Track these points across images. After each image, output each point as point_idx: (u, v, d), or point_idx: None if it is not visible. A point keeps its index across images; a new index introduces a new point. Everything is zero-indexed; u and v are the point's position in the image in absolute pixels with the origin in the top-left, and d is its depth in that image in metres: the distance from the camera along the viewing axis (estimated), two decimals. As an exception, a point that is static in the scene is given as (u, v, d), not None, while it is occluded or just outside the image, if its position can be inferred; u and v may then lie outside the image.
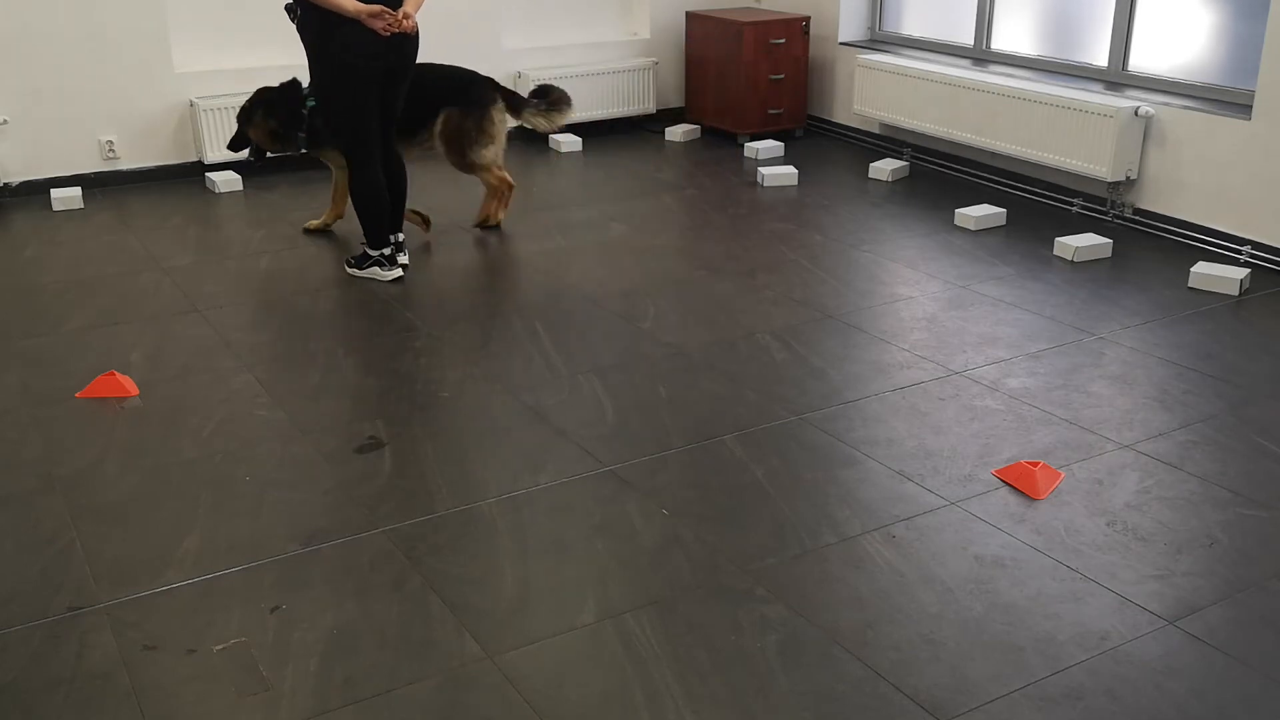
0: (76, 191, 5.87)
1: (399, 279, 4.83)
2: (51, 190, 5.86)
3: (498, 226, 5.51)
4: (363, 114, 4.60)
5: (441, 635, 2.61)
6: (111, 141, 6.08)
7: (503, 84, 5.43)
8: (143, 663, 2.53)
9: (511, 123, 5.48)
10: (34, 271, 4.97)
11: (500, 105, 5.33)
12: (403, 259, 4.94)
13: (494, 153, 5.34)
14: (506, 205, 5.51)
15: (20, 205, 5.86)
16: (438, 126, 5.26)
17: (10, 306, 4.57)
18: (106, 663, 2.53)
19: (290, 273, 4.93)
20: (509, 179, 5.47)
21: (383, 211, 4.76)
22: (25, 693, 2.44)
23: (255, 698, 2.42)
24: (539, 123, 5.48)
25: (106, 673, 2.50)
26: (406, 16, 4.45)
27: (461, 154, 5.29)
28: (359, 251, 4.90)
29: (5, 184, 5.91)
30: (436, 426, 3.59)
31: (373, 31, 4.41)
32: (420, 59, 4.76)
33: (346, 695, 2.43)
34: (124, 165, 6.17)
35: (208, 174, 6.20)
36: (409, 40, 4.56)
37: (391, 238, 4.88)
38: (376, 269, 4.82)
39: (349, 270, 4.89)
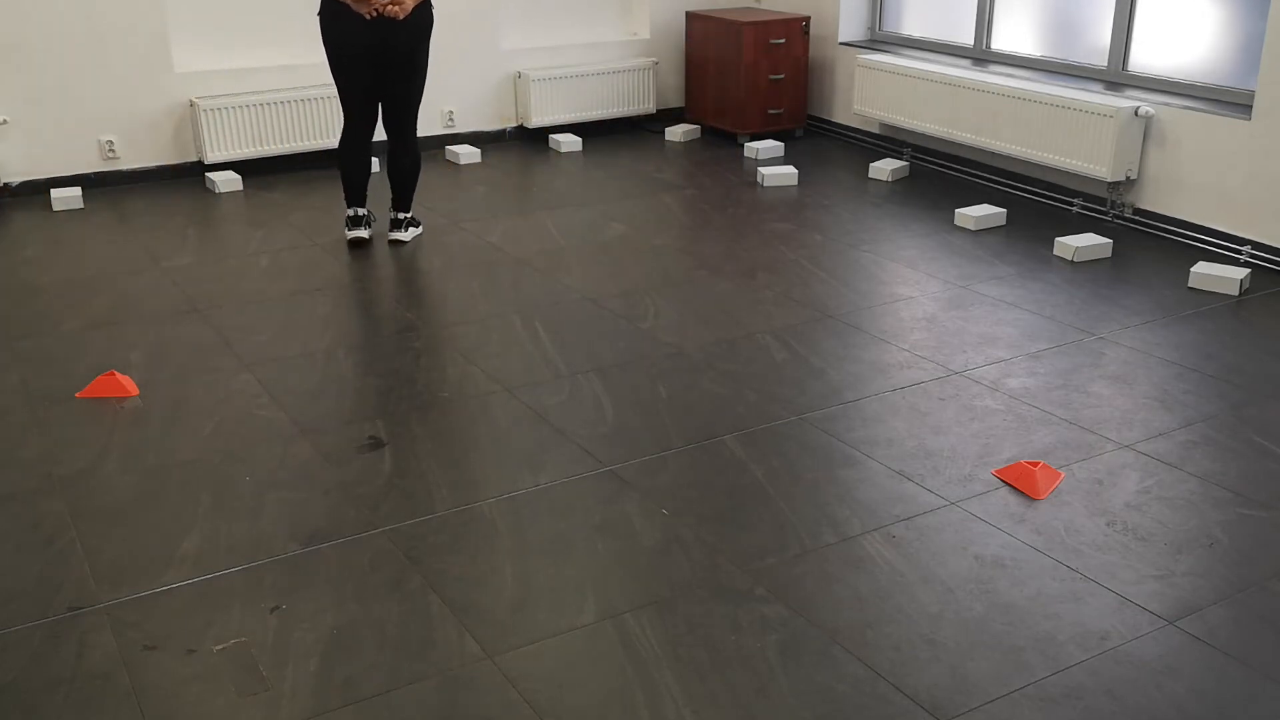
0: (76, 191, 5.87)
1: (360, 244, 5.25)
2: (51, 190, 5.85)
3: None
4: (346, 89, 4.97)
5: (441, 635, 2.61)
6: (111, 141, 6.08)
7: None
8: (143, 663, 2.53)
9: None
10: (34, 271, 4.97)
11: None
12: (406, 234, 5.26)
13: None
14: None
15: (20, 205, 5.86)
16: None
17: (10, 306, 4.57)
18: (106, 663, 2.53)
19: (290, 273, 4.94)
20: None
21: (348, 177, 5.14)
22: (25, 693, 2.44)
23: (255, 698, 2.42)
24: None
25: (106, 673, 2.50)
26: (395, 2, 4.54)
27: None
28: None
29: (5, 184, 5.91)
30: (436, 426, 3.59)
31: (359, 15, 4.60)
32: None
33: (346, 695, 2.43)
34: (124, 165, 6.17)
35: (208, 174, 6.20)
36: (397, 27, 4.63)
37: (396, 214, 5.25)
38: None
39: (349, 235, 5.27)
